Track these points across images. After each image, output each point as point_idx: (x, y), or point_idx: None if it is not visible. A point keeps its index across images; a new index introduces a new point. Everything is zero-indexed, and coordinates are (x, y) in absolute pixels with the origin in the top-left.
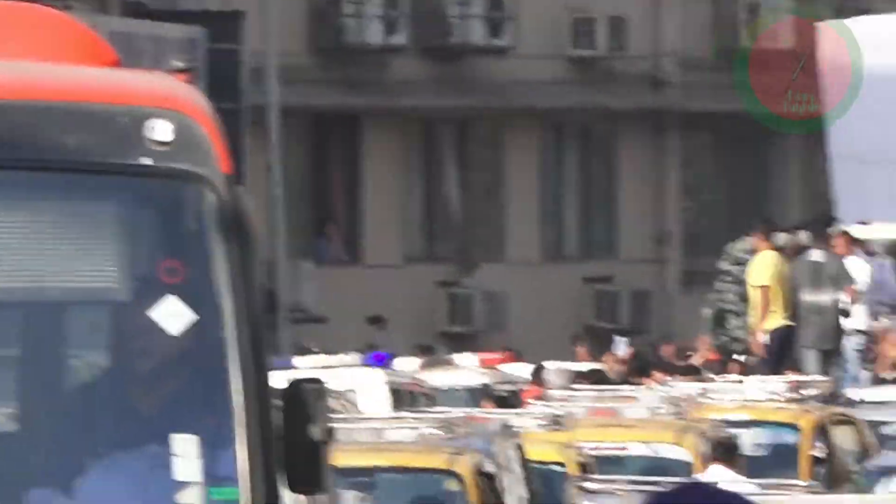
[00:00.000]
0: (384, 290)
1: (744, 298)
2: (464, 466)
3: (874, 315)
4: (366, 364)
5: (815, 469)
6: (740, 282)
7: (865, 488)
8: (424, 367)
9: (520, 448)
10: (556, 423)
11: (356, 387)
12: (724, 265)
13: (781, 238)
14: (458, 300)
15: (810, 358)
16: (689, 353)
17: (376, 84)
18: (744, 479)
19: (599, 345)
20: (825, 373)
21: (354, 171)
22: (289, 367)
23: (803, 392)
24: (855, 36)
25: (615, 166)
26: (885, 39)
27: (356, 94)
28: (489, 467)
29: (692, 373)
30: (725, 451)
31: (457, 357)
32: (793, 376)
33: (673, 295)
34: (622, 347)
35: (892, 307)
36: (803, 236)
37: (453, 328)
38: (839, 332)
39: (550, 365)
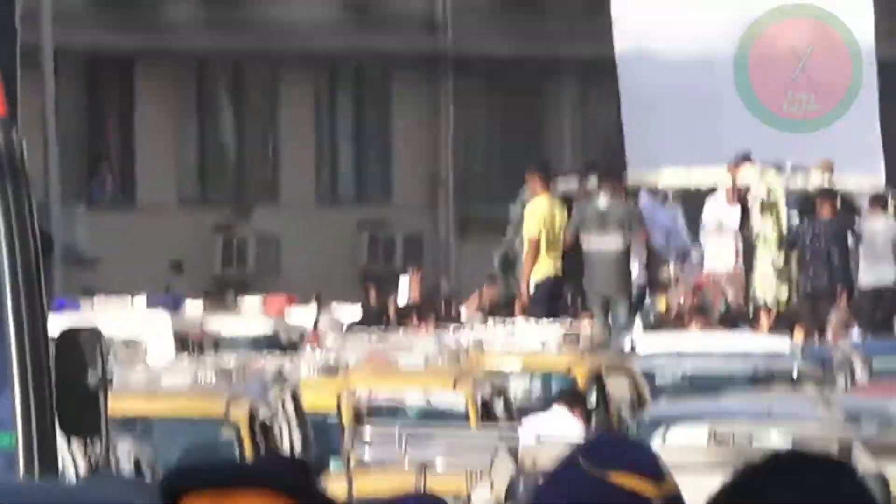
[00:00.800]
0: (159, 233)
1: None
2: (238, 414)
3: (662, 264)
4: (155, 306)
5: (590, 418)
6: None
7: (640, 438)
8: (209, 311)
9: (295, 395)
10: (331, 370)
11: (142, 332)
12: (514, 210)
13: (569, 182)
14: (233, 244)
15: (595, 304)
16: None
17: (150, 26)
18: (580, 425)
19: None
20: (609, 319)
21: (128, 114)
22: (75, 309)
23: (579, 340)
24: None
25: (389, 110)
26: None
27: (130, 36)
28: (264, 414)
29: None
30: (571, 396)
31: (241, 301)
32: (566, 325)
33: (447, 240)
34: (404, 287)
35: (681, 256)
36: (592, 180)
37: (228, 271)
38: (626, 278)
39: (336, 309)
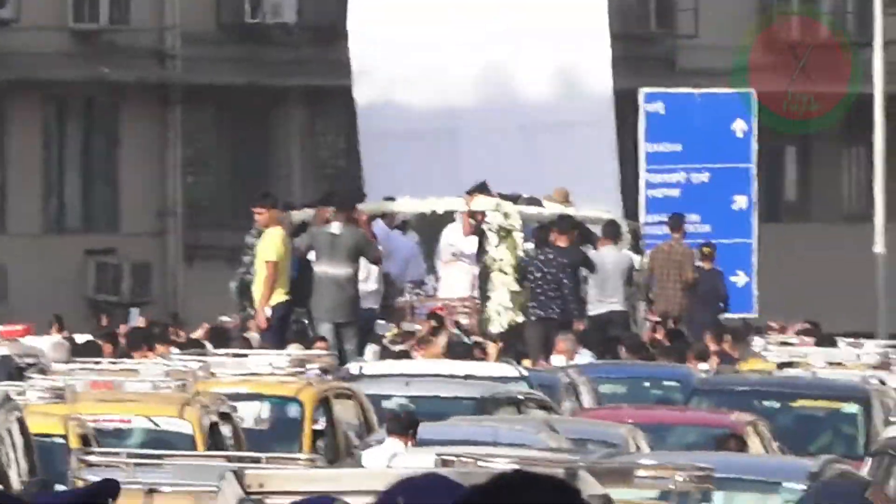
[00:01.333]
0: None
1: None
2: None
3: (402, 291)
4: None
5: (317, 443)
6: None
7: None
8: None
9: (21, 421)
10: (57, 395)
11: None
12: (250, 239)
13: (305, 213)
14: None
15: (324, 330)
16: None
17: None
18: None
19: (98, 318)
20: (339, 346)
21: None
22: None
23: (307, 366)
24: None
25: (117, 139)
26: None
27: None
28: None
29: (195, 346)
30: (400, 426)
31: None
32: (295, 351)
33: (175, 268)
34: (135, 318)
35: (417, 283)
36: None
37: None
38: (355, 304)
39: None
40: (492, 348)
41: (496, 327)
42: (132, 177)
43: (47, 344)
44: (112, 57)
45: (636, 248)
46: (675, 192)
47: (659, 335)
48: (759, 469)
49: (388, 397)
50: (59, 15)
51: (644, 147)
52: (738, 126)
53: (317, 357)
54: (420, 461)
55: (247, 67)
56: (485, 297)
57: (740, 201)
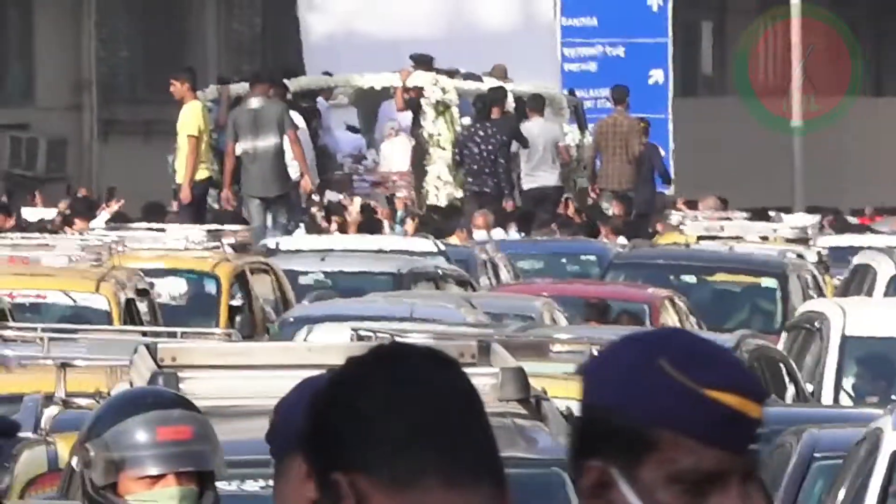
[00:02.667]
0: None
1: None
2: None
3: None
4: None
5: (235, 318)
6: None
7: (283, 337)
8: None
9: None
10: None
11: None
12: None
13: (241, 87)
14: None
15: (253, 205)
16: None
17: None
18: None
19: (16, 191)
20: (270, 220)
21: None
22: None
23: (224, 241)
24: None
25: (31, 13)
26: None
27: None
28: None
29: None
30: (597, 312)
31: None
32: (212, 226)
33: (91, 143)
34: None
35: (356, 157)
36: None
37: None
38: (284, 177)
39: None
40: (409, 225)
41: (433, 201)
42: (46, 50)
43: None
44: None
45: (580, 124)
46: (592, 67)
47: (616, 209)
48: None
49: (304, 273)
50: None
51: (560, 21)
52: (654, 0)
53: (233, 232)
54: (336, 336)
55: None
56: (422, 172)
57: (656, 75)
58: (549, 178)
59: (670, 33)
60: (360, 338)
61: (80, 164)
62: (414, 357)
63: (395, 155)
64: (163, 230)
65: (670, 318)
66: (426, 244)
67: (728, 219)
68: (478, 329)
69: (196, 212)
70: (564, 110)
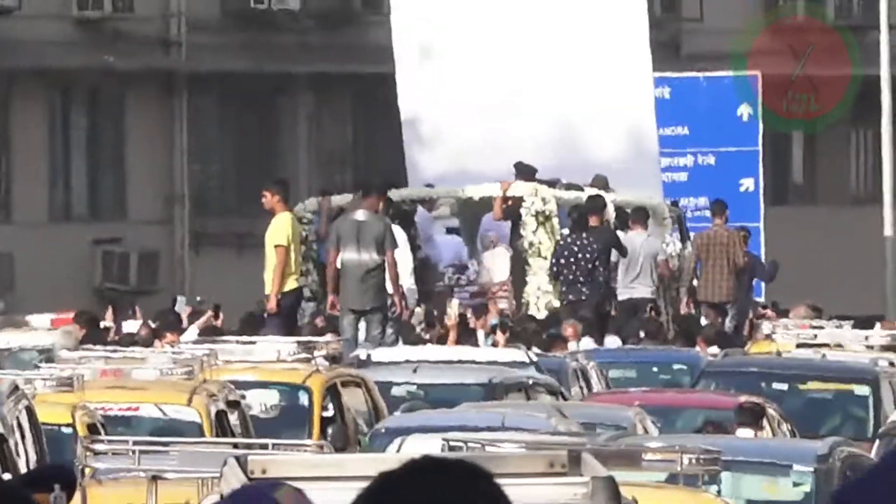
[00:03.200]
0: None
1: (305, 258)
2: None
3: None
4: None
5: (326, 430)
6: (303, 241)
7: (375, 448)
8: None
9: (30, 409)
10: (65, 384)
11: None
12: None
13: (343, 198)
14: None
15: (347, 318)
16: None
17: None
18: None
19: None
20: (367, 333)
21: None
22: None
23: (316, 353)
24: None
25: (123, 127)
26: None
27: None
28: None
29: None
30: (752, 416)
31: (30, 318)
32: (304, 338)
33: (182, 256)
34: (182, 305)
35: (458, 268)
36: (337, 199)
37: None
38: (381, 291)
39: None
40: (500, 336)
41: (534, 311)
42: (139, 164)
43: (58, 333)
44: (117, 45)
45: (682, 235)
46: (683, 176)
47: (711, 319)
48: (767, 451)
49: (396, 384)
50: (63, 3)
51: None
52: (744, 110)
53: (325, 344)
54: (428, 447)
55: (252, 54)
56: (522, 282)
57: (747, 184)
58: (644, 290)
59: (760, 141)
60: (452, 448)
61: (172, 277)
62: (444, 469)
63: (495, 265)
64: (253, 343)
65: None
66: (518, 354)
67: (821, 327)
68: (569, 438)
69: (285, 323)
70: (667, 220)
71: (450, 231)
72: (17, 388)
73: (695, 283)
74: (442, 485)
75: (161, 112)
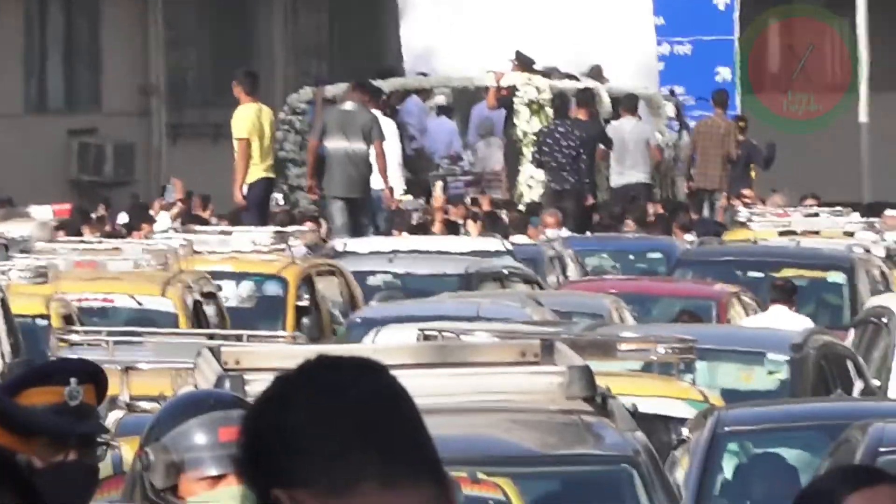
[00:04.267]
0: None
1: (302, 147)
2: None
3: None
4: None
5: (302, 320)
6: (298, 131)
7: (350, 339)
8: (1, 219)
9: (4, 301)
10: (39, 275)
11: None
12: (282, 115)
13: (333, 89)
14: None
15: (335, 206)
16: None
17: None
18: (802, 316)
19: (83, 197)
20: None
21: None
22: None
23: (291, 242)
24: None
25: (98, 19)
26: None
27: None
28: None
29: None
30: (784, 293)
31: (32, 209)
32: (279, 227)
33: (159, 147)
34: (172, 193)
35: (454, 158)
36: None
37: None
38: (366, 181)
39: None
40: (471, 226)
41: (528, 199)
42: (114, 56)
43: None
44: None
45: (681, 124)
46: (660, 65)
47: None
48: (742, 340)
49: (372, 273)
50: None
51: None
52: None
53: (301, 233)
54: (403, 337)
55: None
56: (515, 171)
57: (724, 73)
58: (638, 175)
59: (737, 31)
60: (427, 338)
61: (148, 168)
62: (337, 367)
63: (489, 154)
64: (228, 233)
65: (737, 315)
66: (494, 243)
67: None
68: (543, 328)
69: (256, 213)
70: (663, 110)
71: (441, 111)
72: None
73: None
74: (338, 382)
75: (136, 3)
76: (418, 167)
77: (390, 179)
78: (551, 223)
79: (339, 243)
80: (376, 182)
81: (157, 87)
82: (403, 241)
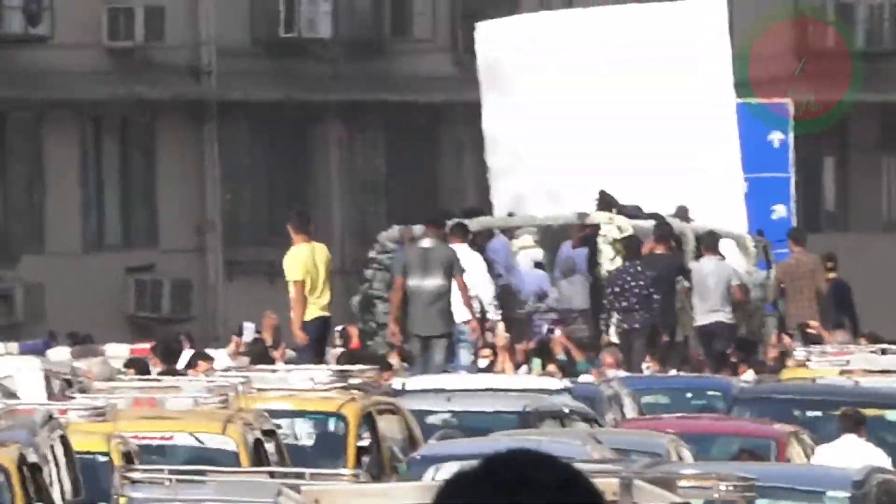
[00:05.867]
0: None
1: (390, 285)
2: (6, 459)
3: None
4: (24, 351)
5: (362, 458)
6: (387, 269)
7: (411, 477)
8: (76, 355)
9: (65, 438)
10: (99, 413)
11: (13, 375)
12: (373, 253)
13: (395, 230)
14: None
15: (414, 344)
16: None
17: None
18: (871, 445)
19: (141, 334)
20: (429, 359)
21: None
22: None
23: (351, 381)
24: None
25: (154, 156)
26: (534, 36)
27: None
28: (33, 458)
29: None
30: (854, 422)
31: (108, 347)
32: (337, 367)
33: (215, 284)
34: (250, 333)
35: (540, 296)
36: (417, 228)
37: None
38: (447, 317)
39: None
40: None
41: (613, 338)
42: (170, 193)
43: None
44: (148, 74)
45: (768, 264)
46: None
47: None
48: (802, 478)
49: (431, 412)
50: (94, 32)
51: None
52: (776, 136)
53: (359, 372)
54: None
55: (282, 82)
56: (600, 309)
57: (780, 210)
58: (719, 315)
59: (792, 168)
60: None
61: (204, 305)
62: (548, 464)
63: (574, 293)
64: (287, 371)
65: (797, 454)
66: (552, 382)
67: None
68: (604, 466)
69: (314, 352)
70: (751, 250)
71: (537, 265)
72: (51, 417)
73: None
74: (543, 476)
75: (192, 140)
76: (505, 305)
77: (486, 309)
78: (610, 363)
79: (396, 382)
80: (460, 315)
81: (213, 224)
82: (462, 379)
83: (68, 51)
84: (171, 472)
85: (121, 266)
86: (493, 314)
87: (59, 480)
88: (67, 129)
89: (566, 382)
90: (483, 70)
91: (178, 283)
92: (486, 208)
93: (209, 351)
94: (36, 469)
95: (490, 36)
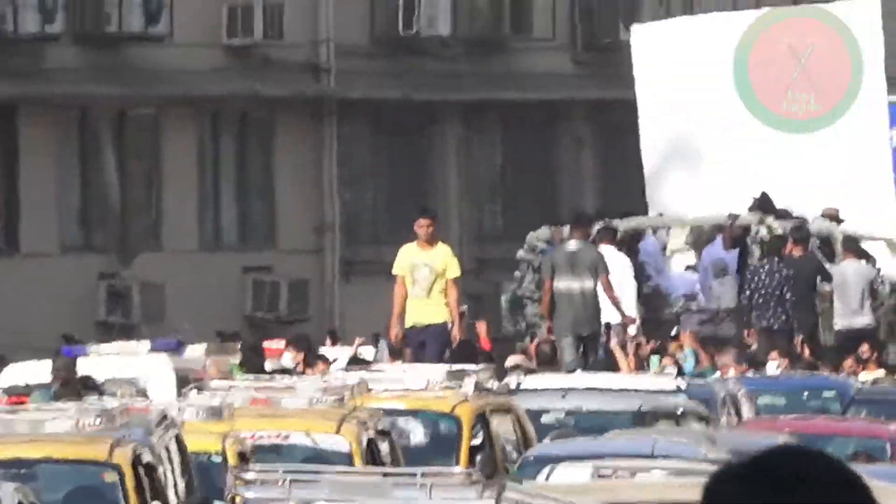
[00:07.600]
0: (42, 281)
1: (539, 286)
2: (122, 458)
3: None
4: (155, 349)
5: (476, 457)
6: (536, 269)
7: (524, 477)
8: (210, 353)
9: (179, 438)
10: (214, 413)
11: (143, 374)
12: (522, 253)
13: (545, 230)
14: (116, 291)
15: (565, 343)
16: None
17: (32, 73)
18: None
19: (259, 334)
20: (582, 358)
21: (12, 161)
22: (83, 354)
23: (465, 381)
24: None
25: (273, 154)
26: (692, 38)
27: (12, 83)
28: (148, 458)
29: (358, 363)
30: None
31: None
32: (455, 366)
33: (332, 285)
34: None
35: (689, 297)
36: (565, 229)
37: (111, 319)
38: (597, 316)
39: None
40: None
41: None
42: (288, 193)
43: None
44: (266, 72)
45: None
46: None
47: None
48: None
49: (545, 411)
50: (213, 31)
51: None
52: None
53: (474, 371)
54: (577, 474)
55: (402, 81)
56: (749, 309)
57: None
58: (860, 319)
59: None
60: (601, 476)
61: (321, 305)
62: (823, 461)
63: (724, 293)
64: (403, 371)
65: None
66: (667, 381)
67: None
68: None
69: (440, 352)
70: None
71: (688, 268)
72: (165, 416)
73: None
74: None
75: (310, 139)
76: (654, 306)
77: (624, 310)
78: (725, 364)
79: (511, 380)
80: (608, 316)
81: (331, 224)
82: (577, 378)
83: (187, 48)
84: (286, 471)
85: (238, 265)
86: (632, 314)
87: (174, 481)
88: (185, 127)
89: (682, 382)
90: (638, 71)
91: (296, 283)
92: (606, 207)
93: (337, 348)
94: (151, 469)
95: (647, 37)
